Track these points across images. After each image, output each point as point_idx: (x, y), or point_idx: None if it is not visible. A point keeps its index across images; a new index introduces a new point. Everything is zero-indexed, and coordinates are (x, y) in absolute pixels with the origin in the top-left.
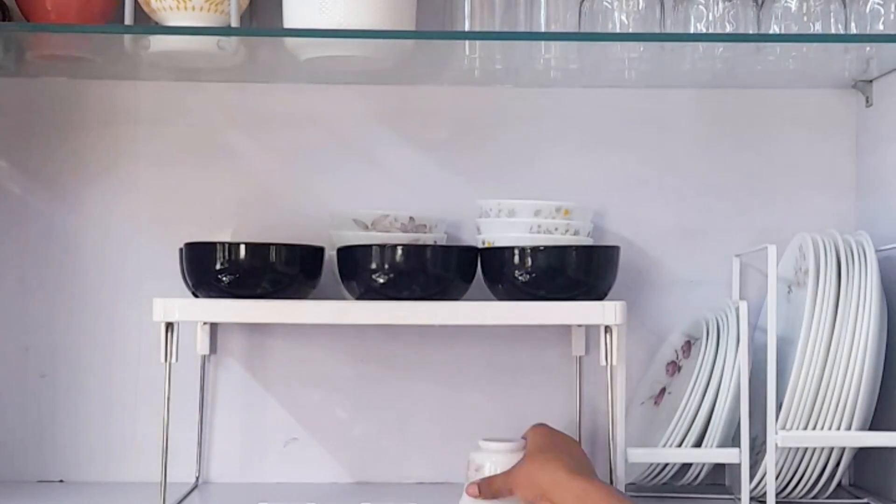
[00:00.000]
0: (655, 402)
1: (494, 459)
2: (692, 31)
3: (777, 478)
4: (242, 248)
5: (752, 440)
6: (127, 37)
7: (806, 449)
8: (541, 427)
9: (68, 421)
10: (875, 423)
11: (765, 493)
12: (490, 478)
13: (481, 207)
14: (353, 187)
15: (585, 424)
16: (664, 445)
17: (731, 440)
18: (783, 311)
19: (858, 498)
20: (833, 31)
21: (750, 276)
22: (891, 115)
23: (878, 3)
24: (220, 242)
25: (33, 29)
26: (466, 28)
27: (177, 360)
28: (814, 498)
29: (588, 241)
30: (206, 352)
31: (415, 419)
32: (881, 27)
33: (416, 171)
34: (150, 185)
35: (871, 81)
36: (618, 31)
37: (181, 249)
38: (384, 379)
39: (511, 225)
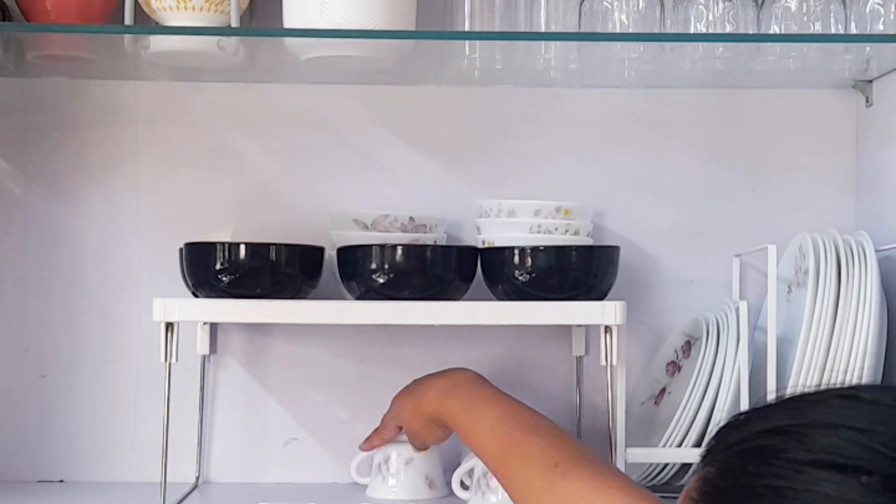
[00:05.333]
0: (655, 402)
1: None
2: (692, 31)
3: None
4: (242, 248)
5: None
6: (127, 37)
7: None
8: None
9: (68, 421)
10: None
11: None
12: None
13: (481, 207)
14: (353, 187)
15: (585, 424)
16: (664, 445)
17: None
18: (783, 311)
19: None
20: (833, 31)
21: (750, 276)
22: (891, 115)
23: (878, 3)
24: (220, 242)
25: (33, 29)
26: (466, 28)
27: (177, 360)
28: None
29: (588, 241)
30: (206, 352)
31: None
32: (881, 27)
33: (416, 171)
34: (151, 185)
35: (871, 81)
36: (618, 31)
37: (181, 249)
38: (384, 379)
39: (511, 225)
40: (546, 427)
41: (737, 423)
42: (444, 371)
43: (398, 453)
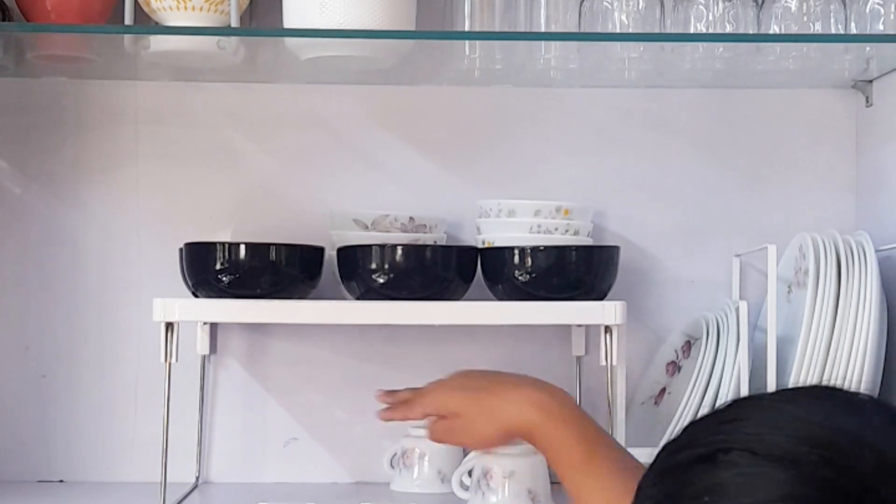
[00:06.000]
0: (655, 402)
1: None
2: (692, 31)
3: None
4: (242, 248)
5: None
6: (127, 37)
7: None
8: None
9: (68, 421)
10: None
11: None
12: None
13: (481, 207)
14: (353, 187)
15: None
16: None
17: None
18: (783, 311)
19: None
20: (833, 31)
21: (750, 276)
22: (891, 115)
23: (878, 3)
24: (220, 242)
25: (33, 29)
26: (466, 28)
27: (177, 360)
28: None
29: (588, 241)
30: (206, 352)
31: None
32: (881, 27)
33: (416, 171)
34: (151, 185)
35: (871, 81)
36: (618, 31)
37: (181, 249)
38: (384, 379)
39: (511, 225)
40: None
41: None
42: (529, 380)
43: (414, 447)
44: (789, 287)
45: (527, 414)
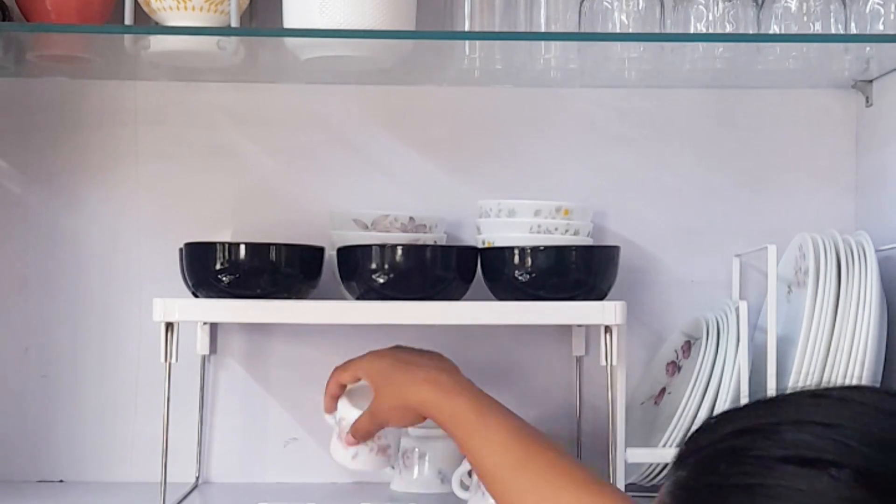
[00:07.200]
0: (655, 402)
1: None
2: (692, 31)
3: None
4: (242, 248)
5: None
6: (127, 37)
7: None
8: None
9: (68, 421)
10: None
11: None
12: (357, 421)
13: (481, 207)
14: (353, 187)
15: (585, 424)
16: (664, 445)
17: None
18: (783, 311)
19: None
20: (833, 31)
21: (750, 276)
22: (891, 115)
23: (878, 3)
24: (220, 242)
25: (33, 29)
26: (466, 28)
27: (177, 360)
28: None
29: (588, 241)
30: (206, 352)
31: None
32: (881, 27)
33: (416, 171)
34: (150, 185)
35: (871, 81)
36: (618, 31)
37: (181, 249)
38: None
39: (511, 225)
40: (554, 443)
41: (707, 427)
42: (427, 356)
43: (414, 446)
44: (789, 287)
45: (422, 391)
